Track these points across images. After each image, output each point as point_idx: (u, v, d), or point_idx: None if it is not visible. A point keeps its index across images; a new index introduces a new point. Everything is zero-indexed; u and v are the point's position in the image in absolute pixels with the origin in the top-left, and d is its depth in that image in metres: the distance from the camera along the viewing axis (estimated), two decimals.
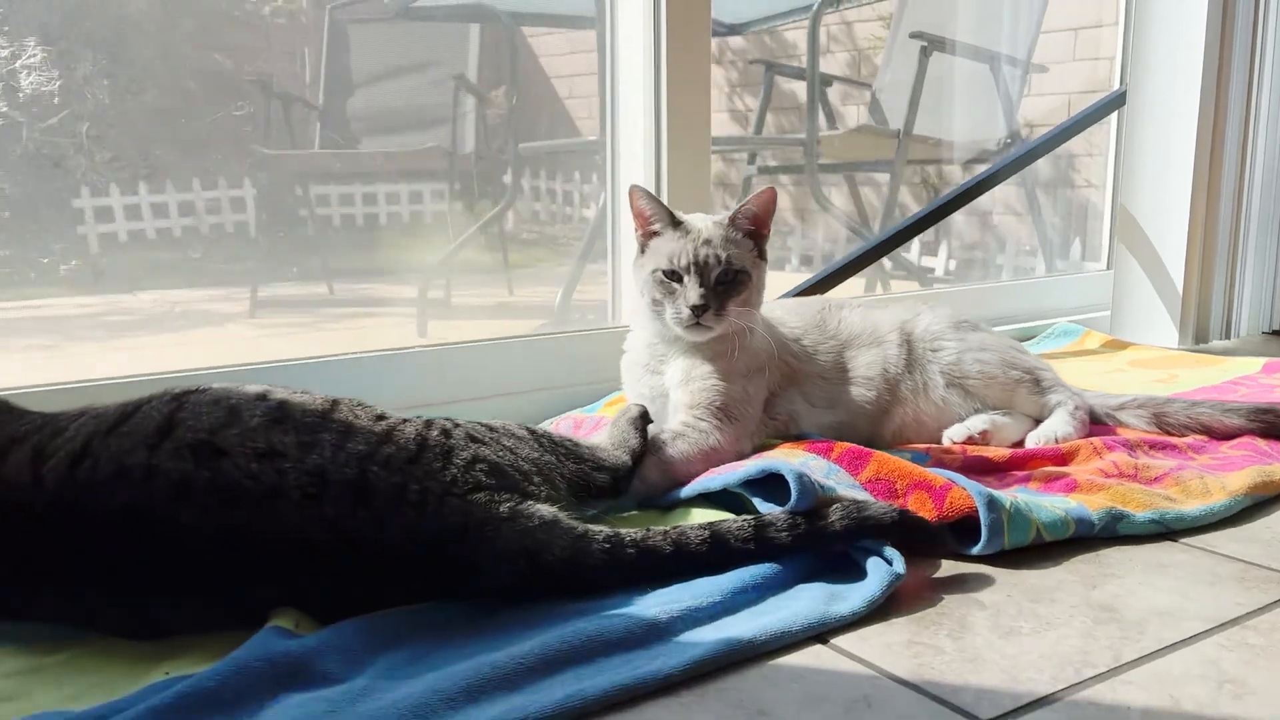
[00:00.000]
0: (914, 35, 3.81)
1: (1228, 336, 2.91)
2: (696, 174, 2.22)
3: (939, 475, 1.43)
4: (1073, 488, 1.53)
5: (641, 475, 1.51)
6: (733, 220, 1.66)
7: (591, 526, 1.23)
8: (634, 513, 1.52)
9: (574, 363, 2.10)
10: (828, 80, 4.58)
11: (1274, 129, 2.87)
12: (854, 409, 1.76)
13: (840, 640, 1.14)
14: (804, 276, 2.54)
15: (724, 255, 1.62)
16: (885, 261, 4.08)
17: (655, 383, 1.71)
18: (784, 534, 1.26)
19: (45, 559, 1.12)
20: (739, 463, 1.51)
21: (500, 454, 1.27)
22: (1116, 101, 2.98)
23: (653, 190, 1.89)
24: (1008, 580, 1.30)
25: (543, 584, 1.17)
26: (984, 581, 1.30)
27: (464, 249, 3.65)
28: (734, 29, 4.60)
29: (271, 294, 3.35)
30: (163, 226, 2.93)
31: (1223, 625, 1.18)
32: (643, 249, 1.70)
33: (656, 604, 1.16)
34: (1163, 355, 2.64)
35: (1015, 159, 2.89)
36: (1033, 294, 3.08)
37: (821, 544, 1.28)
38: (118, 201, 2.73)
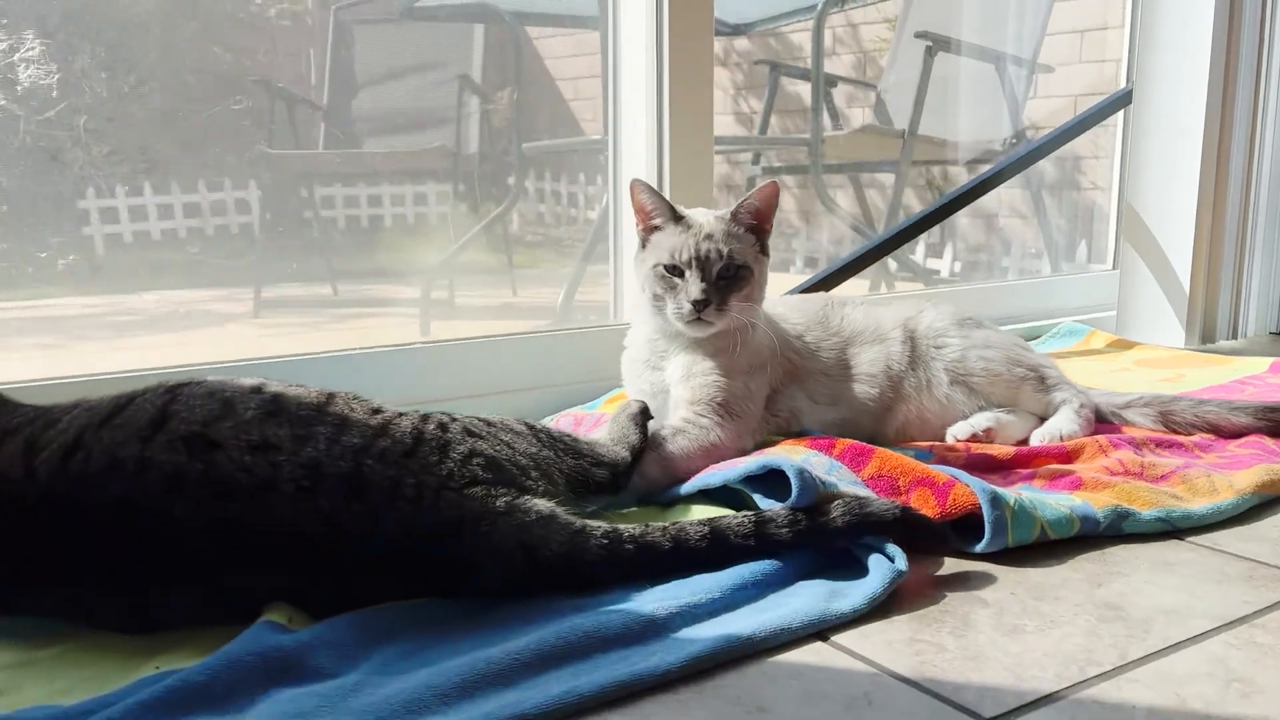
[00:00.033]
0: (919, 35, 3.80)
1: (1234, 337, 2.89)
2: (699, 173, 2.21)
3: (942, 472, 1.41)
4: (1078, 485, 1.51)
5: (641, 471, 1.49)
6: (734, 215, 1.65)
7: (590, 522, 1.22)
8: (633, 509, 1.51)
9: (575, 360, 2.09)
10: (833, 81, 4.57)
11: None
12: (857, 406, 1.75)
13: (841, 637, 1.13)
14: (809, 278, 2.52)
15: (726, 250, 1.60)
16: (890, 263, 4.07)
17: (656, 379, 1.69)
18: (785, 530, 1.24)
19: (37, 552, 1.11)
20: (740, 459, 1.49)
21: (497, 448, 1.26)
22: (1122, 100, 2.96)
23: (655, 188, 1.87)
24: (1011, 578, 1.28)
25: (540, 580, 1.16)
26: (987, 579, 1.28)
27: (468, 250, 3.64)
28: (738, 29, 4.59)
29: (275, 294, 3.34)
30: (168, 227, 2.93)
31: (1230, 624, 1.16)
32: (644, 244, 1.68)
33: (655, 600, 1.14)
34: (1169, 355, 2.62)
35: (1021, 157, 2.87)
36: (1037, 293, 3.06)
37: (822, 540, 1.26)
38: (123, 203, 2.73)
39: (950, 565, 1.33)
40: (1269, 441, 1.74)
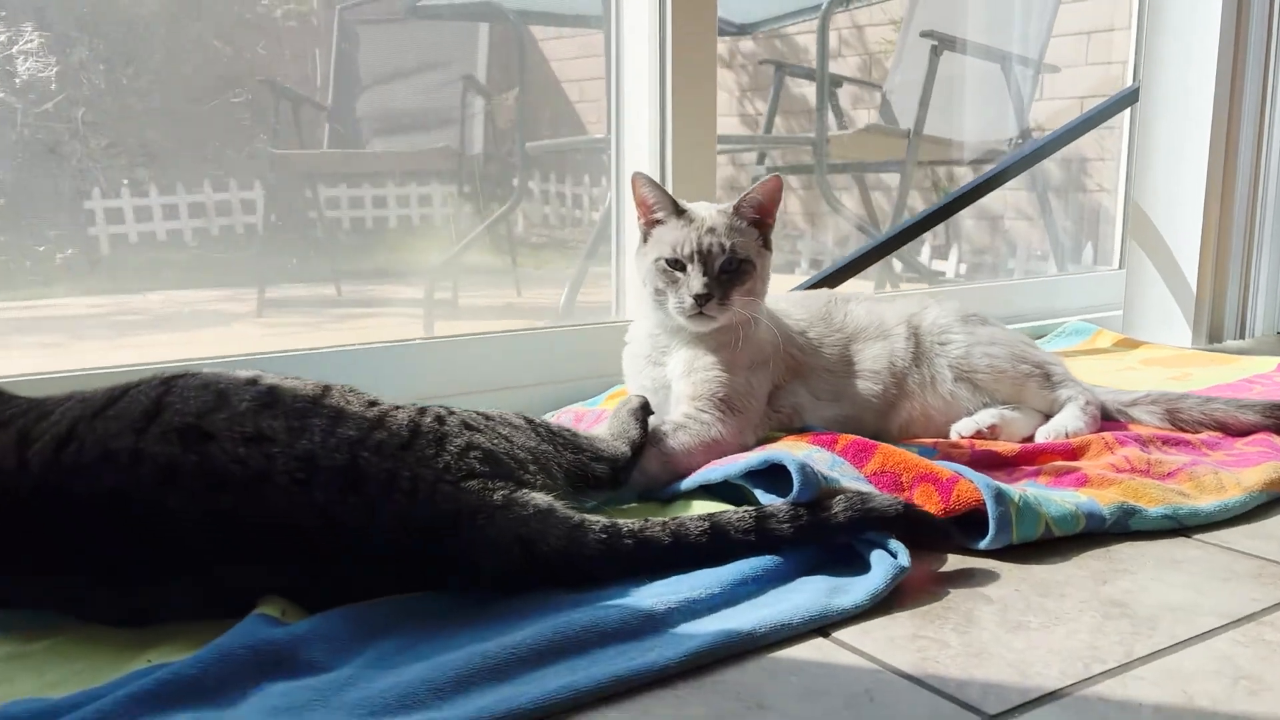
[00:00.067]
0: (924, 34, 3.78)
1: (1242, 336, 2.87)
2: (702, 171, 2.20)
3: (946, 468, 1.39)
4: (1083, 482, 1.49)
5: (642, 467, 1.48)
6: (737, 209, 1.63)
7: (588, 516, 1.20)
8: (634, 505, 1.49)
9: (576, 356, 2.08)
10: (838, 81, 4.56)
11: None
12: (860, 403, 1.73)
13: (842, 633, 1.11)
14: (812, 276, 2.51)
15: (728, 244, 1.59)
16: (896, 264, 4.06)
17: (657, 374, 1.68)
18: (785, 525, 1.23)
19: (30, 545, 1.10)
20: (741, 455, 1.48)
21: (495, 442, 1.24)
22: (1129, 98, 2.94)
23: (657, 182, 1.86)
24: (1015, 575, 1.27)
25: (537, 574, 1.14)
26: (991, 576, 1.26)
27: (472, 251, 3.63)
28: (744, 29, 4.58)
29: (278, 295, 3.33)
30: (173, 228, 2.92)
31: (1238, 621, 1.14)
32: (645, 238, 1.67)
33: (654, 596, 1.13)
34: (1176, 354, 2.60)
35: (1026, 155, 2.85)
36: (1043, 292, 3.04)
37: (824, 536, 1.25)
38: (128, 203, 2.72)
39: (954, 562, 1.31)
40: (1277, 439, 1.72)
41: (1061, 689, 1.00)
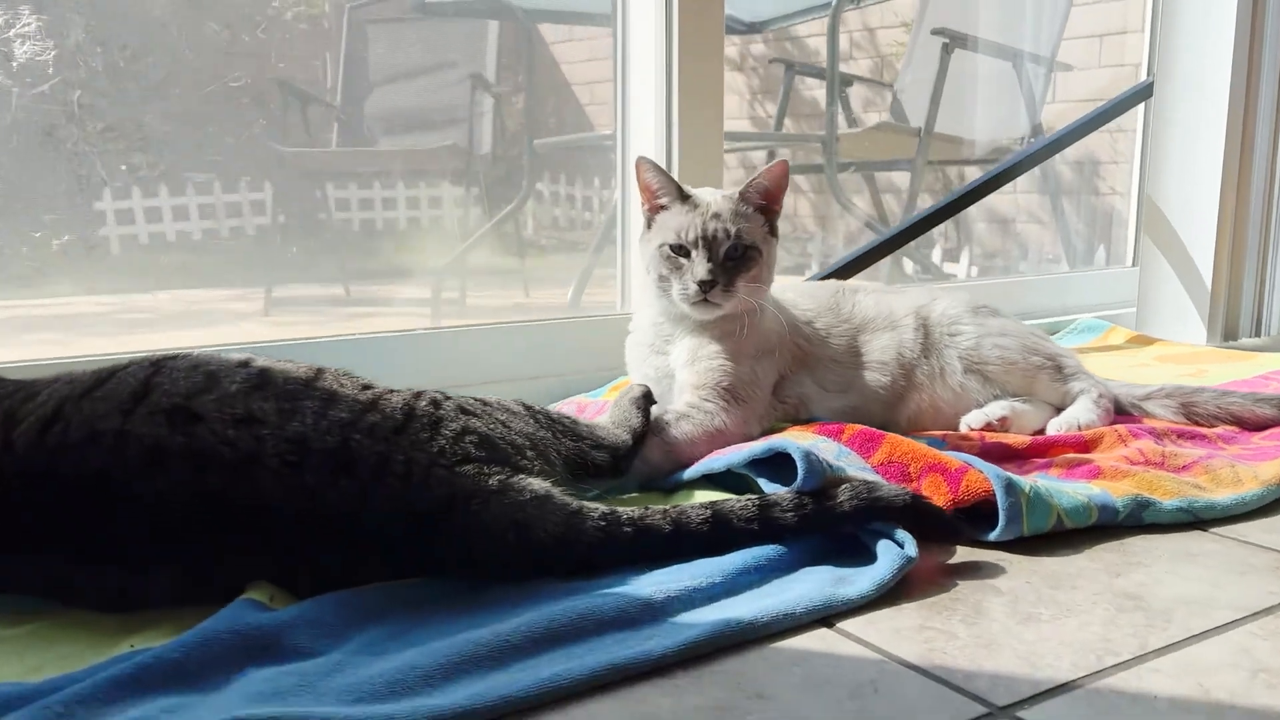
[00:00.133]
0: (936, 32, 3.75)
1: (1258, 334, 2.82)
2: (710, 166, 2.17)
3: (955, 458, 1.36)
4: (1096, 474, 1.46)
5: (643, 456, 1.45)
6: (743, 195, 1.60)
7: (587, 503, 1.17)
8: (635, 495, 1.46)
9: (582, 348, 2.05)
10: (848, 80, 4.52)
11: None
12: (867, 394, 1.70)
13: (847, 624, 1.08)
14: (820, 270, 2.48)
15: (734, 230, 1.56)
16: (908, 265, 4.02)
17: (660, 363, 1.65)
18: (789, 514, 1.20)
19: (14, 527, 1.07)
20: (744, 444, 1.44)
21: (492, 427, 1.22)
22: (1143, 93, 2.90)
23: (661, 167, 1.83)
24: (1026, 567, 1.23)
25: (533, 561, 1.11)
26: (1001, 568, 1.23)
27: (481, 252, 3.61)
28: (753, 27, 4.55)
29: (286, 294, 3.32)
30: (182, 229, 2.91)
31: (1256, 614, 1.11)
32: (649, 224, 1.64)
33: (653, 584, 1.10)
34: (1191, 351, 2.56)
35: (1041, 149, 2.82)
36: (1055, 289, 3.00)
37: (829, 525, 1.21)
38: (138, 204, 2.71)
39: (962, 554, 1.28)
40: None
41: (1073, 681, 0.96)
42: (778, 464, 1.34)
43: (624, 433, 1.42)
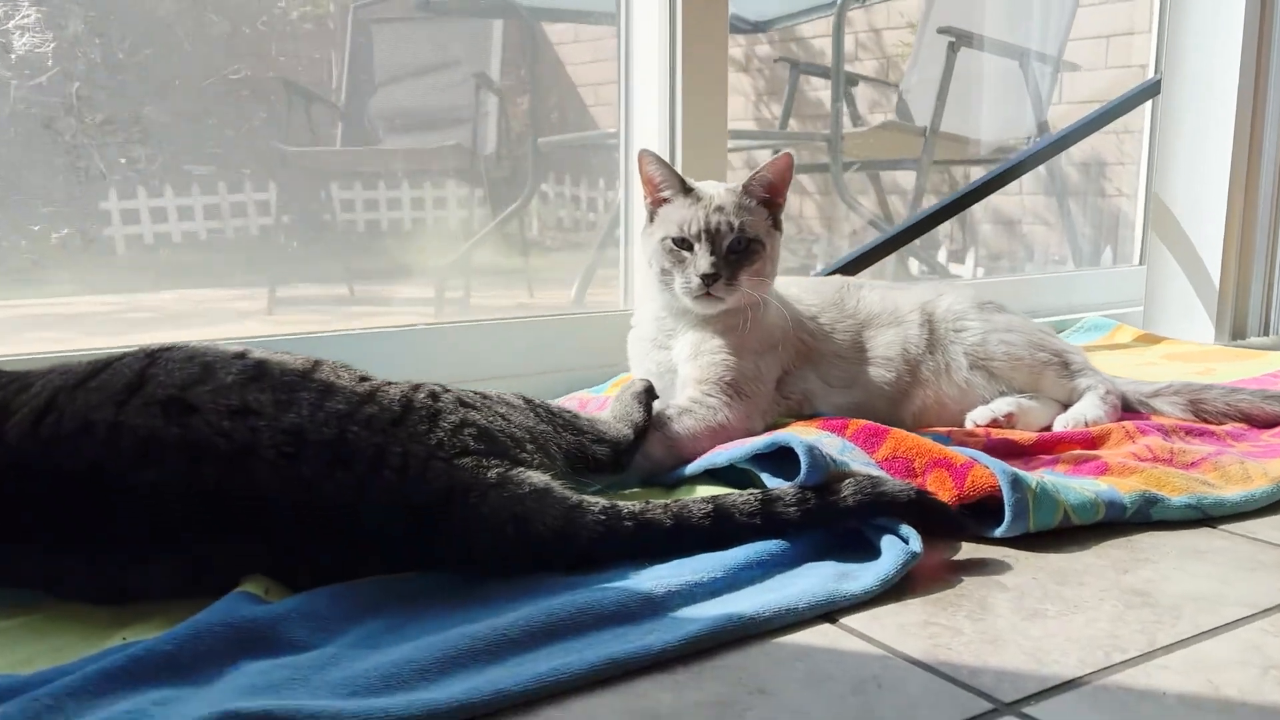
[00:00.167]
0: (942, 30, 3.73)
1: (1267, 333, 2.80)
2: (713, 163, 2.15)
3: (960, 453, 1.34)
4: (1104, 470, 1.44)
5: (645, 452, 1.43)
6: (746, 187, 1.59)
7: (587, 497, 1.16)
8: (636, 490, 1.45)
9: (583, 345, 2.04)
10: (854, 80, 4.51)
11: None
12: (872, 390, 1.68)
13: (850, 619, 1.07)
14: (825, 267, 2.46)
15: (737, 223, 1.54)
16: (914, 266, 4.00)
17: (663, 358, 1.63)
18: (792, 509, 1.18)
19: (7, 518, 1.06)
20: (747, 439, 1.43)
21: (491, 419, 1.20)
22: (1150, 90, 2.88)
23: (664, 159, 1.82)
24: (1032, 563, 1.22)
25: (532, 555, 1.10)
26: (1006, 564, 1.22)
27: (485, 252, 3.60)
28: (759, 26, 4.53)
29: (290, 293, 3.31)
30: (189, 229, 2.90)
31: (1267, 611, 1.09)
32: (651, 217, 1.63)
33: (653, 579, 1.08)
34: (1199, 350, 2.54)
35: (1048, 145, 2.80)
36: (1061, 288, 2.98)
37: (832, 520, 1.20)
38: (144, 204, 2.70)
39: (968, 550, 1.26)
40: None
41: (1081, 677, 0.95)
42: (781, 459, 1.32)
43: (625, 427, 1.40)
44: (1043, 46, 3.97)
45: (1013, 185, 3.68)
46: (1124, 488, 1.35)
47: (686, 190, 1.59)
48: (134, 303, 2.86)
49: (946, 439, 1.56)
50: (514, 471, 1.13)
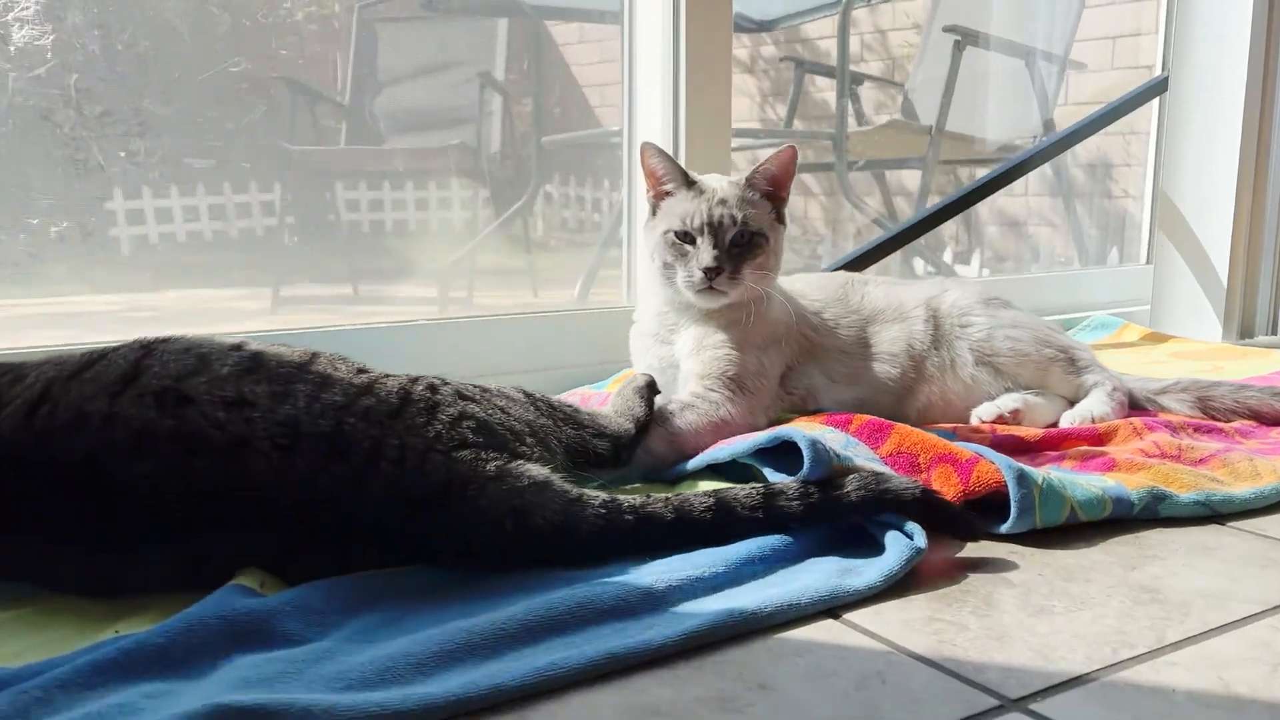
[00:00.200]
0: (948, 29, 3.71)
1: (1274, 332, 2.78)
2: (716, 152, 2.14)
3: (965, 449, 1.33)
4: (1111, 466, 1.42)
5: (647, 446, 1.42)
6: (750, 181, 1.57)
7: (587, 491, 1.14)
8: (638, 485, 1.43)
9: (585, 341, 2.03)
10: (859, 79, 4.49)
11: None
12: (877, 386, 1.67)
13: (854, 615, 1.05)
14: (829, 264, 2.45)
15: (740, 216, 1.53)
16: (919, 266, 3.99)
17: (665, 353, 1.62)
18: (795, 504, 1.17)
19: (0, 511, 1.05)
20: (750, 434, 1.41)
21: (490, 412, 1.19)
22: (1158, 87, 2.86)
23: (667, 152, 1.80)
24: (1039, 560, 1.20)
25: (531, 548, 1.08)
26: (1012, 560, 1.20)
27: (489, 252, 3.59)
28: (764, 25, 4.52)
29: (294, 293, 3.30)
30: (193, 229, 2.89)
31: (1276, 608, 1.08)
32: (654, 210, 1.61)
33: (654, 574, 1.07)
34: (1207, 348, 2.52)
35: (1055, 142, 2.78)
36: (1067, 286, 2.96)
37: (836, 515, 1.18)
38: (149, 204, 2.69)
39: (973, 546, 1.24)
40: None
41: (1088, 674, 0.93)
42: (784, 454, 1.31)
43: (627, 422, 1.39)
44: (1049, 46, 3.95)
45: (1018, 187, 3.67)
46: (1131, 484, 1.34)
47: (689, 183, 1.57)
48: (136, 302, 2.85)
49: (952, 435, 1.55)
50: (513, 465, 1.12)
